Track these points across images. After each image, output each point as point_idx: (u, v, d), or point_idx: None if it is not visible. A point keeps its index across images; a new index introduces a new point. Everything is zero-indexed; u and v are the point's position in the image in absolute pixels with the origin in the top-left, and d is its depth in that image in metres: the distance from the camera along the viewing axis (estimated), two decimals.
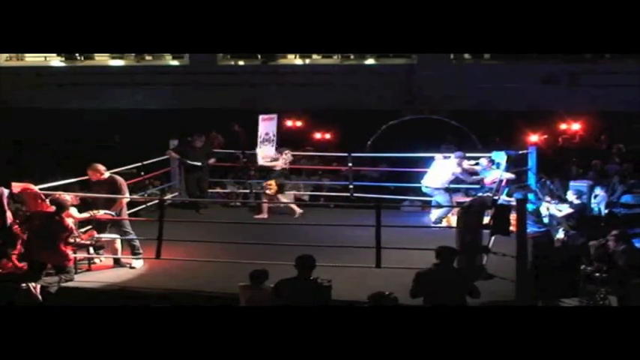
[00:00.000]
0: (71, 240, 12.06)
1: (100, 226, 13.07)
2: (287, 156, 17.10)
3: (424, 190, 15.85)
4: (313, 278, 9.69)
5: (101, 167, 13.18)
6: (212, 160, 17.43)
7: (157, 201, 13.46)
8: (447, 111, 22.19)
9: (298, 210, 16.75)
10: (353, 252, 12.29)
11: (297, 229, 13.97)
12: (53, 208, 11.94)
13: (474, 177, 15.94)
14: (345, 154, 17.88)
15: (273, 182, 16.86)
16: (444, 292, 9.42)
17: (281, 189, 16.91)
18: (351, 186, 17.77)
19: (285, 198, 17.04)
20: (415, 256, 11.49)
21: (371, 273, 11.72)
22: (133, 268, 12.90)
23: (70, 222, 12.06)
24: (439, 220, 15.38)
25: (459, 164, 15.55)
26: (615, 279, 11.37)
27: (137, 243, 13.06)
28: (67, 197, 12.51)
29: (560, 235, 14.66)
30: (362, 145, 20.83)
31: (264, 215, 16.68)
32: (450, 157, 15.75)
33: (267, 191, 16.98)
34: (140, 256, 13.03)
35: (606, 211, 16.52)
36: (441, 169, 15.65)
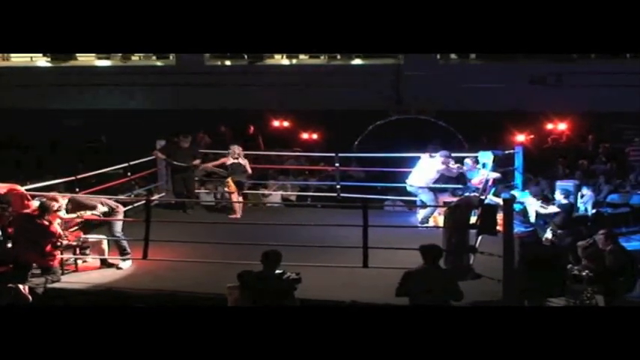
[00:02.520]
0: (58, 243, 12.03)
1: (88, 226, 13.10)
2: (234, 151, 17.11)
3: (408, 189, 15.83)
4: (279, 272, 9.74)
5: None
6: (197, 161, 17.39)
7: (143, 201, 13.41)
8: (433, 111, 22.24)
9: (239, 213, 16.86)
10: (340, 252, 12.30)
11: (284, 230, 13.96)
12: (38, 210, 11.91)
13: (455, 171, 15.88)
14: (332, 155, 17.87)
15: (229, 180, 17.02)
16: (429, 293, 9.43)
17: (240, 186, 17.04)
18: (338, 186, 17.76)
19: (239, 196, 17.15)
20: (402, 256, 11.51)
21: (358, 273, 11.73)
22: (120, 268, 12.88)
23: (56, 224, 12.04)
24: (425, 219, 15.36)
25: (444, 163, 15.55)
26: (602, 278, 11.41)
27: (126, 244, 13.04)
28: (61, 200, 12.51)
29: (548, 234, 14.70)
30: (349, 145, 20.84)
31: (237, 215, 16.76)
32: (435, 156, 15.75)
33: (226, 189, 17.28)
34: (128, 257, 13.00)
35: (593, 210, 16.60)
36: (426, 168, 15.64)
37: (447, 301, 9.54)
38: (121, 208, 13.33)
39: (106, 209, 12.97)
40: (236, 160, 16.98)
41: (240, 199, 17.07)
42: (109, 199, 13.43)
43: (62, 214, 12.72)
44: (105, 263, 13.05)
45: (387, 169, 17.81)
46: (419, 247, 9.89)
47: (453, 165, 15.77)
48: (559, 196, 15.69)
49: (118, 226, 13.10)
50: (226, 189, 17.33)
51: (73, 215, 12.89)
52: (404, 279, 9.65)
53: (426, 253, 9.79)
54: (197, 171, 17.65)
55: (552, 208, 15.51)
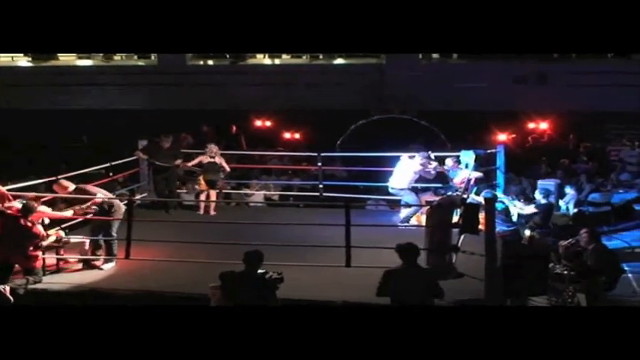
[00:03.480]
0: (40, 244, 12.00)
1: (96, 227, 13.09)
2: (211, 150, 17.16)
3: (391, 191, 15.87)
4: (261, 272, 9.74)
5: (65, 182, 13.13)
6: (179, 161, 17.36)
7: (125, 201, 13.38)
8: (416, 110, 22.28)
9: (202, 210, 16.98)
10: (323, 251, 12.30)
11: (267, 229, 13.96)
12: (20, 210, 11.87)
13: (433, 172, 15.90)
14: (315, 154, 17.89)
15: (201, 178, 17.10)
16: (410, 292, 9.45)
17: (211, 185, 17.07)
18: (320, 185, 17.77)
19: (214, 195, 17.23)
20: (385, 256, 11.53)
21: (341, 272, 11.75)
22: (102, 269, 12.84)
23: (39, 225, 12.01)
24: (407, 219, 15.37)
25: (422, 164, 15.56)
26: (584, 277, 11.46)
27: (115, 245, 12.99)
28: (45, 209, 12.50)
29: (527, 232, 14.75)
30: (331, 144, 20.86)
31: (201, 212, 17.02)
32: (415, 156, 15.76)
33: (197, 186, 17.42)
34: (113, 258, 12.96)
35: (575, 210, 16.68)
36: (405, 169, 15.66)
37: (429, 300, 9.57)
38: (121, 207, 13.26)
39: (103, 204, 12.95)
40: (212, 159, 17.00)
41: (214, 197, 17.10)
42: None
43: (47, 210, 12.71)
44: (87, 264, 13.00)
45: (370, 168, 17.83)
46: (395, 247, 9.92)
47: (432, 165, 15.78)
48: (538, 196, 15.78)
49: (115, 226, 13.06)
50: (197, 187, 17.41)
51: (58, 213, 12.87)
52: (384, 278, 9.66)
53: (403, 252, 9.81)
54: (178, 170, 17.65)
55: (529, 209, 15.58)
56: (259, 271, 9.77)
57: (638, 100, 22.21)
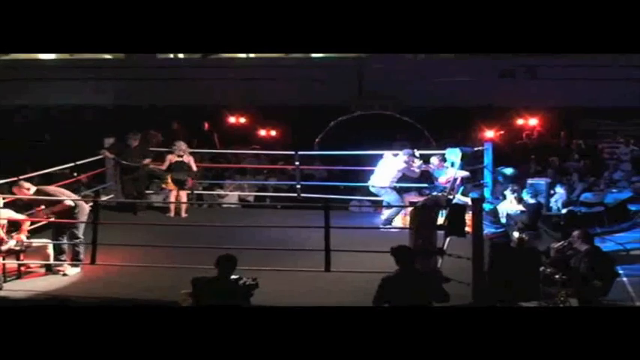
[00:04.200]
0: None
1: (58, 230, 13.01)
2: (179, 148, 17.15)
3: (372, 189, 15.85)
4: (234, 278, 9.71)
5: (26, 184, 13.04)
6: (148, 160, 17.31)
7: (91, 203, 13.33)
8: (399, 106, 22.30)
9: (183, 214, 16.97)
10: (301, 255, 12.32)
11: (242, 232, 13.96)
12: None
13: (417, 171, 15.91)
14: (292, 153, 17.89)
15: (168, 177, 17.11)
16: (410, 298, 9.19)
17: (179, 184, 17.08)
18: (298, 186, 17.78)
19: (185, 195, 17.22)
20: (366, 259, 11.55)
21: (320, 277, 11.75)
22: (66, 275, 12.77)
23: None
24: (388, 221, 15.36)
25: (407, 162, 15.56)
26: (576, 281, 11.50)
27: (81, 249, 12.93)
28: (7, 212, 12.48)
29: (515, 234, 14.80)
30: (309, 142, 20.85)
31: (171, 213, 16.94)
32: (398, 154, 15.77)
33: (163, 186, 17.45)
34: (78, 263, 12.91)
35: (565, 210, 16.74)
36: (388, 168, 15.66)
37: (431, 303, 9.43)
38: (86, 209, 13.20)
39: (72, 204, 12.87)
40: (180, 158, 16.98)
41: (184, 198, 17.10)
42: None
43: (10, 213, 12.65)
44: (50, 269, 12.92)
45: (351, 167, 17.86)
46: (391, 250, 9.86)
47: (416, 164, 15.78)
48: (526, 195, 15.83)
49: (81, 229, 12.99)
50: (164, 186, 17.40)
51: (21, 216, 12.82)
52: (381, 287, 9.36)
53: (400, 255, 9.73)
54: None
55: (518, 208, 15.63)
56: (232, 276, 9.75)
57: (632, 95, 22.32)
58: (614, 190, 18.85)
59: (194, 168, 17.22)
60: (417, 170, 15.83)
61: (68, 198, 13.03)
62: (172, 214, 16.93)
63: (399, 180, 15.84)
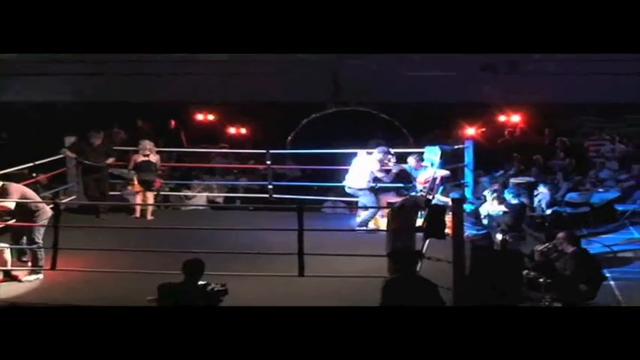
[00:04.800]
0: None
1: (16, 234, 12.93)
2: (145, 147, 17.14)
3: (347, 191, 15.85)
4: (202, 284, 9.69)
5: None
6: (111, 160, 17.25)
7: (51, 205, 13.26)
8: (376, 102, 22.29)
9: (149, 216, 16.99)
10: (273, 259, 12.31)
11: (211, 235, 13.92)
12: None
13: (393, 171, 15.90)
14: (263, 151, 17.88)
15: (135, 178, 17.13)
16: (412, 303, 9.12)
17: (146, 185, 17.12)
18: (270, 186, 17.77)
19: (151, 196, 17.28)
20: (342, 263, 11.57)
21: (293, 282, 11.76)
22: (26, 281, 12.69)
23: None
24: (364, 223, 15.34)
25: (381, 161, 15.52)
26: (562, 285, 11.55)
27: (42, 255, 12.84)
28: None
29: (498, 236, 14.85)
30: (282, 140, 20.83)
31: (137, 215, 17.04)
32: (373, 152, 15.73)
33: (130, 187, 17.49)
34: (38, 269, 12.83)
35: (549, 210, 16.81)
36: (363, 167, 15.63)
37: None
38: (47, 211, 13.11)
39: (11, 207, 12.78)
40: (146, 158, 16.94)
41: (151, 199, 17.08)
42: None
43: None
44: (8, 275, 12.84)
45: (325, 166, 17.87)
46: (389, 254, 9.84)
47: (392, 163, 15.76)
48: (508, 195, 15.87)
49: (41, 233, 12.91)
50: (130, 188, 17.33)
51: None
52: (384, 291, 9.31)
53: (401, 259, 9.71)
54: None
55: (500, 209, 15.67)
56: (200, 282, 9.72)
57: (618, 90, 22.41)
58: (600, 190, 18.97)
59: (159, 167, 17.19)
60: (394, 170, 15.81)
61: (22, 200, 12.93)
62: (138, 215, 16.90)
63: (376, 180, 15.81)
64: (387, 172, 15.74)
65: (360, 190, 15.52)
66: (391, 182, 16.30)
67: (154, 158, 17.01)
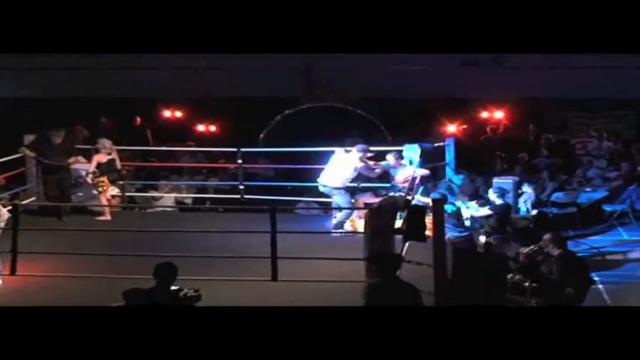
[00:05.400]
0: None
1: None
2: (105, 146, 17.13)
3: (321, 189, 15.79)
4: (174, 289, 9.66)
5: None
6: (73, 159, 17.16)
7: (8, 207, 13.20)
8: (352, 98, 22.31)
9: (107, 216, 16.95)
10: (245, 263, 12.31)
11: (180, 237, 13.90)
12: None
13: (378, 171, 15.93)
14: (234, 150, 17.84)
15: (104, 179, 17.03)
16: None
17: (113, 184, 17.18)
18: (241, 186, 17.74)
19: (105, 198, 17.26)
20: (317, 267, 11.58)
21: (266, 287, 11.75)
22: None
23: None
24: (340, 225, 15.31)
25: (362, 158, 15.50)
26: (548, 289, 11.59)
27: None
28: None
29: (482, 239, 14.90)
30: (253, 138, 20.83)
31: (107, 217, 16.86)
32: (351, 150, 15.73)
33: (100, 189, 17.20)
34: None
35: (535, 211, 16.88)
36: (341, 165, 15.60)
37: None
38: (4, 214, 13.02)
39: None
40: (109, 157, 16.93)
41: (111, 199, 17.06)
42: None
43: None
44: None
45: (299, 165, 17.87)
46: (370, 258, 9.85)
47: (371, 162, 15.75)
48: (493, 195, 15.91)
49: None
50: (99, 190, 17.22)
51: None
52: (368, 294, 9.36)
53: (382, 263, 9.72)
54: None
55: (484, 210, 15.72)
56: (172, 287, 9.70)
57: (606, 85, 22.55)
58: (587, 189, 19.07)
59: (119, 166, 17.15)
60: (378, 170, 15.83)
61: None
62: (108, 216, 16.81)
63: (355, 179, 15.80)
64: (373, 169, 15.73)
65: (335, 188, 15.46)
66: (371, 181, 16.34)
67: (114, 156, 16.99)
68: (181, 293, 9.72)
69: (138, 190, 19.14)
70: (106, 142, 17.09)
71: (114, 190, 17.21)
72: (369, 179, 16.22)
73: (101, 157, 16.94)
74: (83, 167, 17.35)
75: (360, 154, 15.48)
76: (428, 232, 11.81)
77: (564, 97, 22.92)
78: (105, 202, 16.94)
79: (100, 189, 17.05)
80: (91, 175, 16.94)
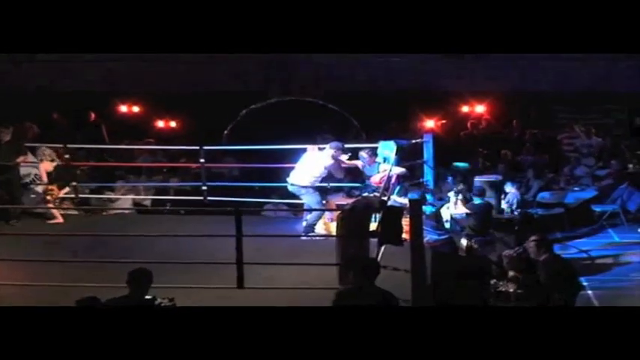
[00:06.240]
0: None
1: None
2: (44, 153, 17.15)
3: (290, 189, 15.72)
4: (149, 298, 9.63)
5: None
6: (21, 158, 17.06)
7: None
8: (323, 92, 22.30)
9: (59, 219, 16.93)
10: (209, 269, 12.28)
11: (139, 242, 13.84)
12: None
13: (342, 170, 15.86)
14: (196, 148, 17.78)
15: (54, 187, 17.13)
16: None
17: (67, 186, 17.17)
18: (204, 187, 17.69)
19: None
20: (286, 273, 11.56)
21: (232, 295, 11.72)
22: None
23: None
24: (310, 228, 15.27)
25: (335, 156, 15.41)
26: (534, 295, 11.62)
27: None
28: None
29: (463, 242, 14.92)
30: (217, 135, 20.77)
31: (59, 219, 16.83)
32: (325, 148, 15.67)
33: (49, 197, 17.27)
34: None
35: (519, 211, 16.91)
36: (312, 163, 15.54)
37: None
38: None
39: None
40: (54, 162, 16.96)
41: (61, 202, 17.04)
42: None
43: None
44: None
45: (267, 164, 17.83)
46: (347, 263, 9.82)
47: (344, 159, 15.69)
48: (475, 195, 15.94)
49: None
50: (49, 197, 17.18)
51: None
52: (338, 302, 9.42)
53: (361, 269, 9.70)
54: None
55: (460, 208, 15.71)
56: (147, 296, 9.66)
57: (593, 77, 22.66)
58: (575, 189, 19.15)
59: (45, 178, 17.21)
60: (343, 168, 15.75)
61: None
62: (61, 218, 16.75)
63: (325, 179, 15.77)
64: (343, 168, 15.64)
65: (303, 187, 15.38)
66: (341, 181, 16.31)
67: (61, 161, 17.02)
68: (156, 302, 9.70)
69: (92, 192, 19.02)
70: (45, 150, 17.10)
71: (65, 189, 17.15)
72: (340, 179, 16.19)
73: (47, 166, 16.93)
74: (34, 166, 17.30)
75: (333, 152, 15.38)
76: (405, 235, 11.81)
77: (550, 90, 22.98)
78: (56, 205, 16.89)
79: (49, 197, 17.02)
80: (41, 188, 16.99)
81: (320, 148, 15.74)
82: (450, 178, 17.99)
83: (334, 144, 15.55)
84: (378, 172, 15.61)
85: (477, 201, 15.71)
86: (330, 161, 15.33)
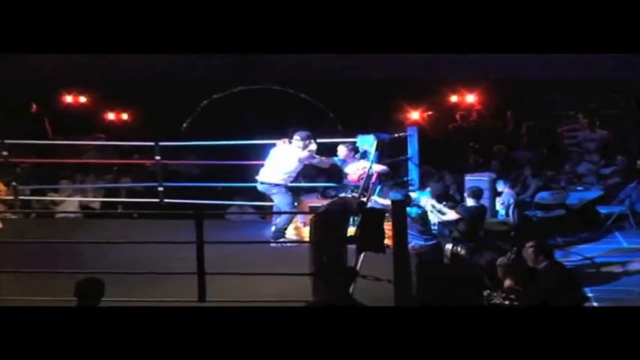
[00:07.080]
0: None
1: None
2: None
3: (260, 188, 15.62)
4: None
5: None
6: None
7: None
8: (294, 80, 22.27)
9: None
10: (166, 280, 12.24)
11: (85, 250, 13.81)
12: None
13: (327, 160, 15.79)
14: (151, 143, 17.71)
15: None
16: None
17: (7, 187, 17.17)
18: (160, 188, 17.63)
19: None
20: (253, 284, 11.52)
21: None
22: None
23: None
24: (280, 233, 15.14)
25: (305, 147, 15.27)
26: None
27: None
28: None
29: (448, 247, 14.90)
30: (175, 129, 20.71)
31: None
32: (294, 141, 15.54)
33: None
34: None
35: (515, 214, 16.92)
36: (283, 159, 15.44)
37: None
38: None
39: None
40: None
41: None
42: None
43: None
44: None
45: (231, 162, 17.78)
46: (317, 272, 9.80)
47: (314, 148, 15.57)
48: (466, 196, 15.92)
49: None
50: None
51: None
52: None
53: (332, 278, 9.70)
54: None
55: (451, 214, 15.65)
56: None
57: (593, 63, 22.69)
58: (578, 188, 19.17)
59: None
60: (326, 160, 15.65)
61: None
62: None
63: (297, 178, 15.71)
64: (320, 158, 15.56)
65: (276, 185, 15.29)
66: (315, 180, 16.29)
67: None
68: None
69: (34, 193, 18.93)
70: None
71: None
72: (313, 178, 16.15)
73: None
74: None
75: (302, 142, 15.22)
76: (387, 241, 11.78)
77: (547, 77, 23.02)
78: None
79: None
80: None
81: (289, 142, 15.62)
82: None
83: (300, 133, 15.24)
84: (357, 170, 15.54)
85: (469, 203, 15.65)
86: (305, 153, 15.18)
